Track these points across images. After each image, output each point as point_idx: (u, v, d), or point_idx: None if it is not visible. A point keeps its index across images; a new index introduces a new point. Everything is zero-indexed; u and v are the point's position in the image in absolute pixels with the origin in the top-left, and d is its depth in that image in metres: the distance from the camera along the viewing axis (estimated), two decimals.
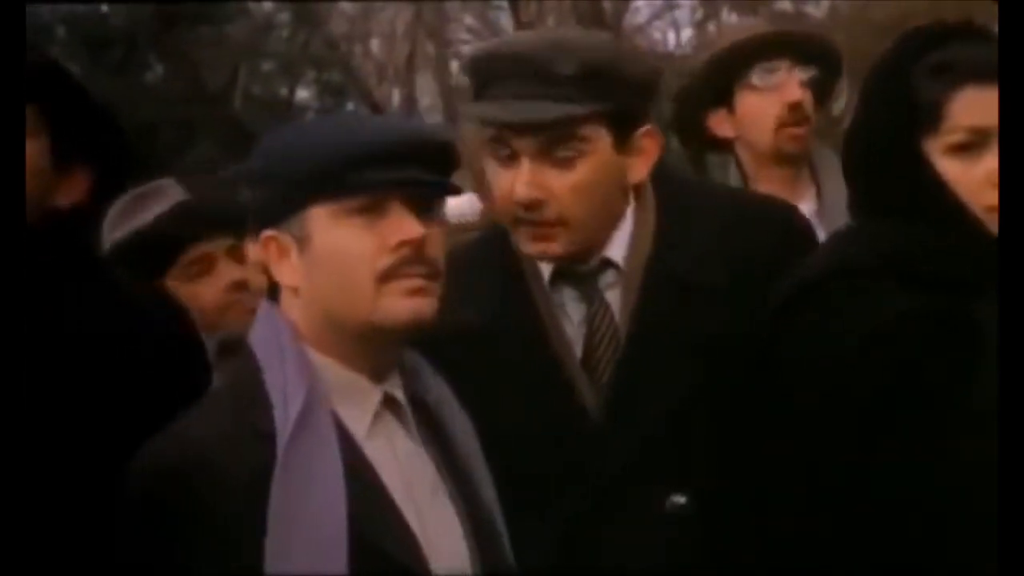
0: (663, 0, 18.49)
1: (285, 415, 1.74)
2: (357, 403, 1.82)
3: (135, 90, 12.74)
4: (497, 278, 2.23)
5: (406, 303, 1.78)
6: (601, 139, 2.11)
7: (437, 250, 1.82)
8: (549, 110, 2.08)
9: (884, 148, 1.95)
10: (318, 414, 1.76)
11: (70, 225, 2.09)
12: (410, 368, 1.90)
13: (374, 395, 1.84)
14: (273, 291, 1.86)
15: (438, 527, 1.83)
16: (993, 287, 1.85)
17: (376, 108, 16.73)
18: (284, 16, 16.15)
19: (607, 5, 17.06)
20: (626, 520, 2.12)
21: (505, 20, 19.28)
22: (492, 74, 2.13)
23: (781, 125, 2.90)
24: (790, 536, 1.95)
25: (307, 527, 1.70)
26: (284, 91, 16.38)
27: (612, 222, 2.18)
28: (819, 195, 2.94)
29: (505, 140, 2.12)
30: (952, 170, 1.91)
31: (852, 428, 1.89)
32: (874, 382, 1.88)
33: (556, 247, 2.14)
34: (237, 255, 2.64)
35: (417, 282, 1.79)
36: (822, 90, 2.98)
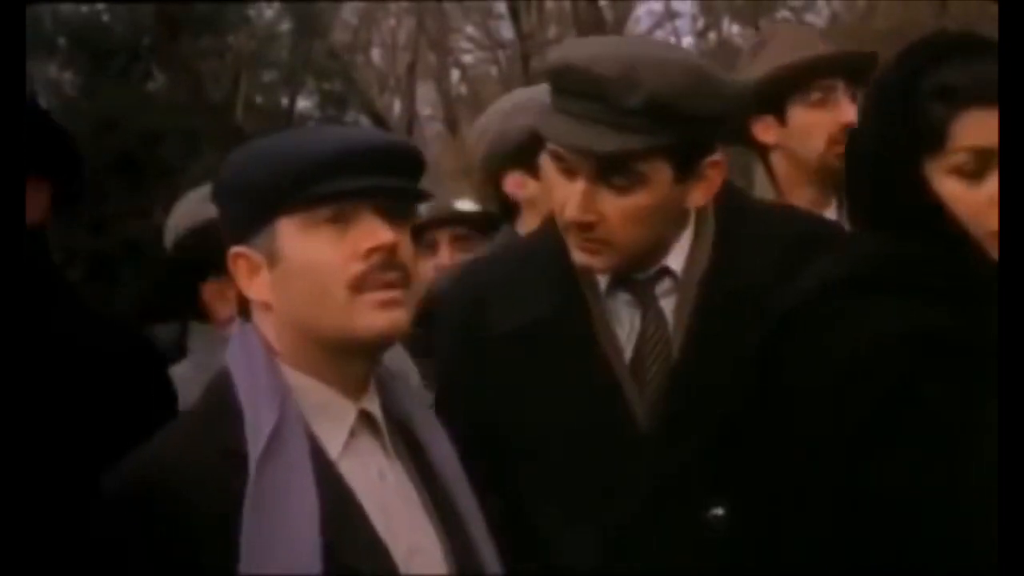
0: (663, 9, 18.54)
1: (257, 434, 1.71)
2: (332, 420, 1.79)
3: (137, 100, 12.76)
4: (551, 276, 2.22)
5: (379, 315, 1.76)
6: (660, 172, 2.09)
7: (408, 256, 1.81)
8: (608, 141, 2.05)
9: (885, 166, 1.94)
10: (291, 432, 1.73)
11: (31, 243, 2.08)
12: (385, 384, 1.88)
13: (350, 411, 1.81)
14: (245, 308, 1.84)
15: (413, 544, 1.80)
16: (987, 305, 1.85)
17: (377, 118, 16.75)
18: (286, 26, 16.17)
19: (608, 14, 17.08)
20: (667, 530, 2.11)
21: (506, 30, 19.33)
22: (564, 87, 2.12)
23: (833, 142, 2.95)
24: (801, 548, 1.95)
25: (280, 546, 1.67)
26: (286, 101, 16.39)
27: (666, 241, 2.18)
28: (840, 205, 2.99)
29: (565, 155, 2.11)
30: (955, 191, 1.90)
31: (843, 447, 1.88)
32: (867, 399, 1.86)
33: (600, 262, 2.14)
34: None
35: (390, 293, 1.76)
36: None
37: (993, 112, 1.87)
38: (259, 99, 15.68)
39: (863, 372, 1.87)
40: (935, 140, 1.89)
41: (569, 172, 2.11)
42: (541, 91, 3.10)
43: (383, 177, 1.78)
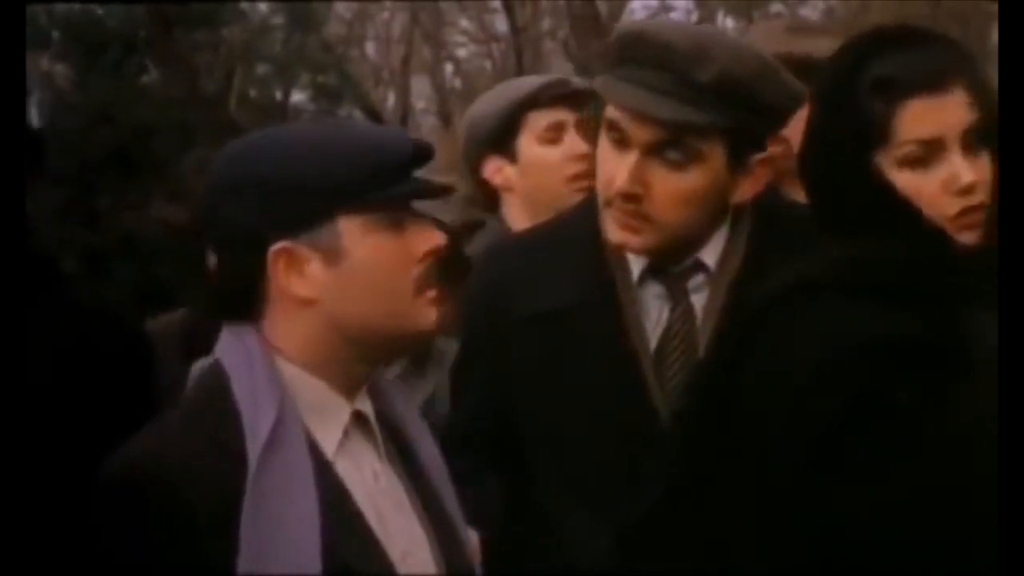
0: (659, 3, 18.52)
1: (256, 431, 1.70)
2: (327, 419, 1.79)
3: (131, 93, 12.73)
4: (581, 262, 2.21)
5: (433, 312, 1.81)
6: (715, 154, 2.09)
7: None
8: (669, 109, 2.05)
9: (837, 164, 1.94)
10: (290, 429, 1.72)
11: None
12: (376, 385, 1.88)
13: (344, 411, 1.81)
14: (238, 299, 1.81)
15: (406, 548, 1.80)
16: (961, 305, 1.85)
17: (372, 111, 16.73)
18: (279, 19, 16.14)
19: (602, 8, 17.06)
20: (679, 529, 2.10)
21: (501, 23, 19.31)
22: (632, 56, 2.10)
23: None
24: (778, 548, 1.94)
25: (280, 544, 1.66)
26: (279, 94, 16.37)
27: (704, 231, 2.17)
28: None
29: (622, 124, 2.10)
30: (906, 182, 1.90)
31: (808, 454, 1.86)
32: (831, 404, 1.85)
33: (638, 241, 2.13)
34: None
35: (436, 291, 1.81)
36: None
37: (933, 100, 1.89)
38: (253, 93, 15.65)
39: (826, 378, 1.85)
40: (880, 135, 1.90)
41: (621, 143, 2.10)
42: (520, 81, 3.11)
43: (423, 178, 1.82)
